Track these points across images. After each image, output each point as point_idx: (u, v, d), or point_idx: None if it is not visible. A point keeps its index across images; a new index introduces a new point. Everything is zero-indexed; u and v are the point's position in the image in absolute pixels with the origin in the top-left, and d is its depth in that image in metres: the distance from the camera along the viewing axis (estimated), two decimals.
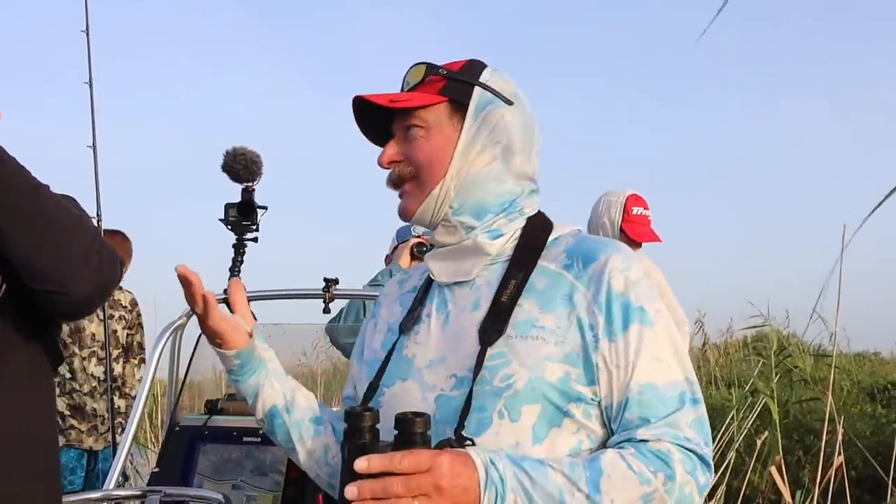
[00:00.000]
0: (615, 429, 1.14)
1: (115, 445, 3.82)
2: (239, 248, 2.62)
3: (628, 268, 1.18)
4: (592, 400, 1.15)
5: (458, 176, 1.26)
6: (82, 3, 3.18)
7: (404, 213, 1.31)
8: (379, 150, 1.32)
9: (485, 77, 1.28)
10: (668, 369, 1.14)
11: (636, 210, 3.18)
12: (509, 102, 1.28)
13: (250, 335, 1.38)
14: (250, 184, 2.53)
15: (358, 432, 1.02)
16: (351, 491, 0.97)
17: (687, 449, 1.09)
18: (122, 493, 2.39)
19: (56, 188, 1.47)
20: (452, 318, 1.27)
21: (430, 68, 1.29)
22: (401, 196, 1.31)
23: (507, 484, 1.01)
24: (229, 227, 2.60)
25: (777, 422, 4.44)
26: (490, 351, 1.18)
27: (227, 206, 2.57)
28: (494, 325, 1.19)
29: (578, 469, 1.05)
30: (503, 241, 1.27)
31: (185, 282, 1.29)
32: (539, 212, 1.31)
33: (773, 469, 3.84)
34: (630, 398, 1.12)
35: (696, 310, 9.22)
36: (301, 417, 1.38)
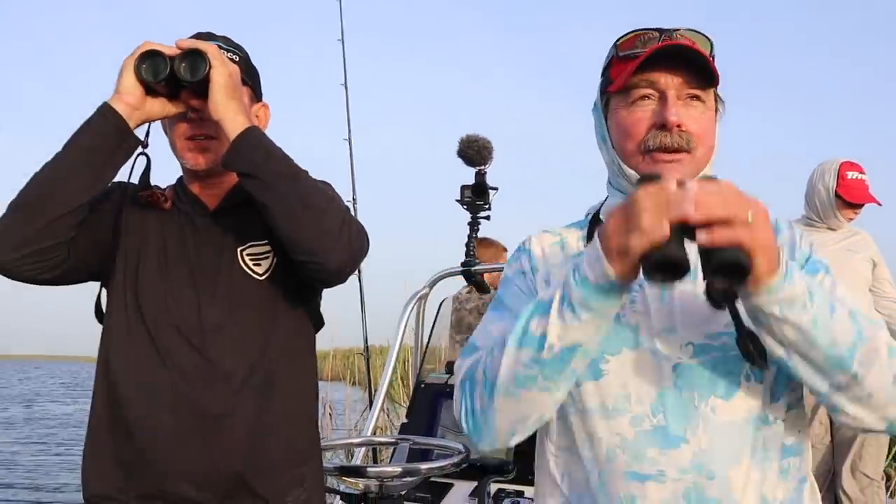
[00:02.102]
0: None
1: (371, 400, 4.22)
2: (473, 226, 2.81)
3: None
4: None
5: (711, 163, 1.27)
6: (338, 15, 3.55)
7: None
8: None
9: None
10: None
11: (851, 174, 3.19)
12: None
13: None
14: (482, 167, 2.72)
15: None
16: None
17: None
18: (379, 439, 2.70)
19: (316, 175, 1.66)
20: (671, 289, 1.25)
21: (712, 46, 1.25)
22: (666, 161, 1.23)
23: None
24: (465, 206, 2.79)
25: None
26: (728, 317, 1.20)
27: (463, 188, 2.77)
28: (726, 299, 1.22)
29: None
30: None
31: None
32: None
33: None
34: None
35: None
36: None
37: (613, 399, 1.22)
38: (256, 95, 1.72)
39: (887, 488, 4.42)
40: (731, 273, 0.99)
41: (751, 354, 1.13)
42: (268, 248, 1.64)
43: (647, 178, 1.01)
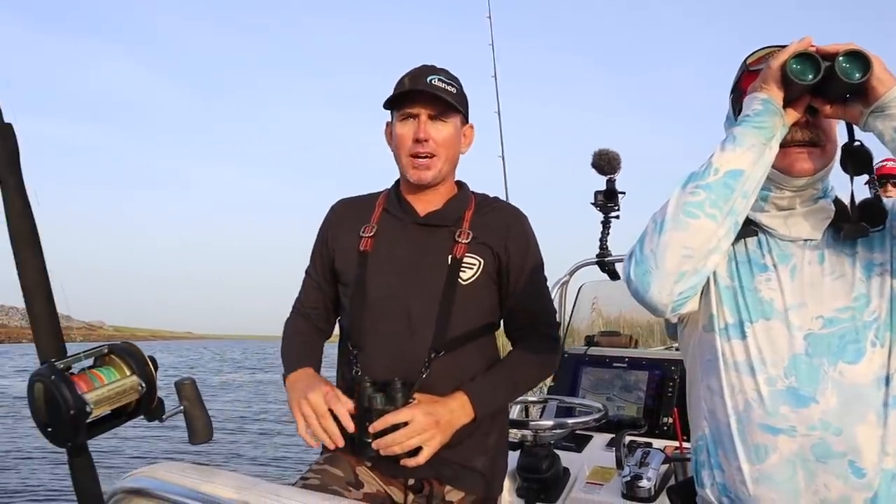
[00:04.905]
0: None
1: None
2: (606, 224, 3.01)
3: None
4: None
5: (834, 157, 1.35)
6: (491, 57, 3.89)
7: (804, 170, 1.32)
8: None
9: None
10: None
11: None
12: None
13: None
14: (612, 175, 2.92)
15: None
16: None
17: None
18: (531, 398, 2.93)
19: (476, 186, 1.87)
20: (801, 271, 1.32)
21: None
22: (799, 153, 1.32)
23: None
24: (598, 208, 2.99)
25: None
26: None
27: (596, 193, 2.97)
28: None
29: None
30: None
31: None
32: None
33: None
34: None
35: None
36: None
37: (752, 359, 1.28)
38: (465, 118, 1.81)
39: None
40: (857, 59, 1.20)
41: (862, 218, 1.29)
42: (477, 260, 1.73)
43: None
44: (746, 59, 1.39)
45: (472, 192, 1.87)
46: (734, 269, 1.37)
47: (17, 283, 1.17)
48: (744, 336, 1.31)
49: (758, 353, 1.28)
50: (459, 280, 1.72)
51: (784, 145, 1.29)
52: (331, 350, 1.91)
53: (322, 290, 1.88)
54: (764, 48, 1.37)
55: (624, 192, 2.96)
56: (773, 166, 1.30)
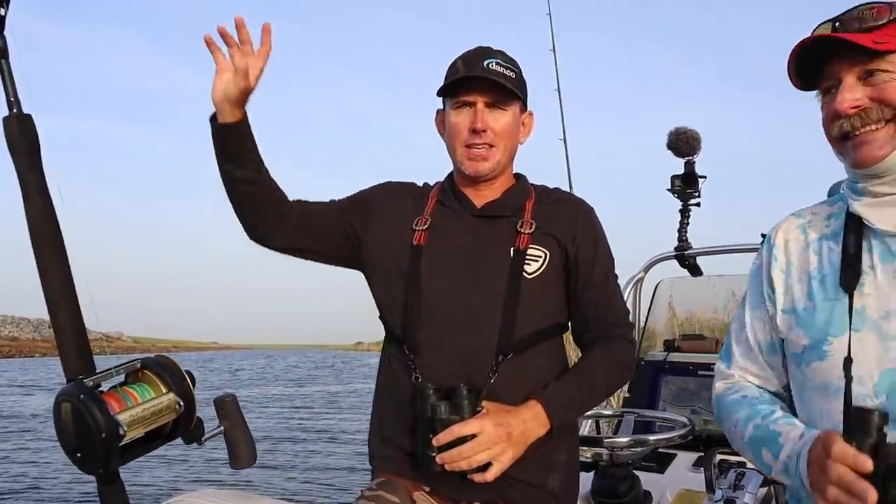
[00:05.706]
0: None
1: None
2: (684, 213, 2.87)
3: None
4: None
5: None
6: (549, 29, 3.75)
7: (867, 160, 1.18)
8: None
9: None
10: None
11: None
12: None
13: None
14: (691, 157, 2.77)
15: (866, 429, 1.03)
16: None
17: None
18: (606, 412, 2.78)
19: (533, 172, 1.82)
20: None
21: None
22: (857, 144, 1.18)
23: None
24: (675, 194, 2.85)
25: None
26: None
27: (673, 178, 2.82)
28: None
29: None
30: None
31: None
32: None
33: None
34: None
35: None
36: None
37: (834, 380, 1.20)
38: (524, 106, 1.76)
39: None
40: None
41: None
42: (542, 252, 1.68)
43: (859, 414, 1.05)
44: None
45: (532, 184, 1.83)
46: (810, 289, 1.29)
47: (31, 291, 1.16)
48: (823, 356, 1.22)
49: (843, 371, 1.18)
50: (524, 273, 1.66)
51: (842, 138, 1.20)
52: (367, 359, 1.70)
53: (324, 210, 1.79)
54: (822, 23, 1.23)
55: (705, 177, 2.83)
56: (848, 167, 1.23)
